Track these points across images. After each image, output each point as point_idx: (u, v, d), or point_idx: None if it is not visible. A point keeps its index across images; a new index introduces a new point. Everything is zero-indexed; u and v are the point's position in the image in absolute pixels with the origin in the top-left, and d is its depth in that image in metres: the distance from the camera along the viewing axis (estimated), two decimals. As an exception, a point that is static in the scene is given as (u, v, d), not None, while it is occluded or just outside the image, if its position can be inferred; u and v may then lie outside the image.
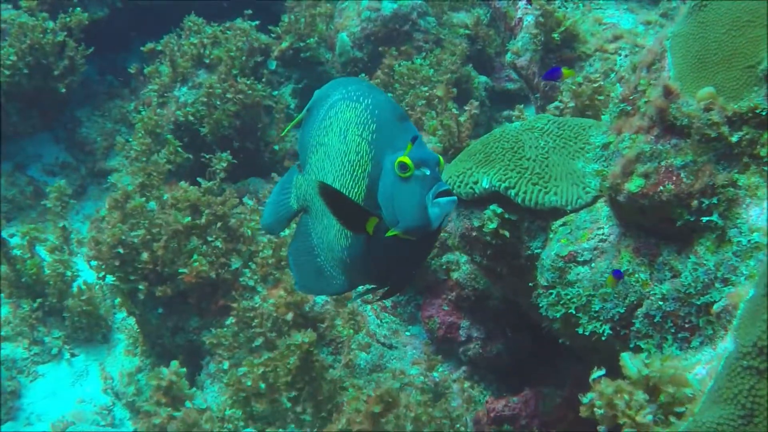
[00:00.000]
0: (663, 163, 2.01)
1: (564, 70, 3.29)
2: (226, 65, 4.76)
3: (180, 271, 3.60)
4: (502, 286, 2.83)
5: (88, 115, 5.93)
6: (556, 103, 3.24)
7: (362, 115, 2.09)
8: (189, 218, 3.62)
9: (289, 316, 3.30)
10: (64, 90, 5.38)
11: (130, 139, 5.00)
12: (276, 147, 4.96)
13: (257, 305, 3.56)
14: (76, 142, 5.81)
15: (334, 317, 3.65)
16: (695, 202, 1.97)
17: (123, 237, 3.60)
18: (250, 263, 3.79)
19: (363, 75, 5.19)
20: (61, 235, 4.49)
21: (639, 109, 2.12)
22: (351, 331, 3.73)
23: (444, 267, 3.68)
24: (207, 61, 4.92)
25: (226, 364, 3.47)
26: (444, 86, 4.27)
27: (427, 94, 4.66)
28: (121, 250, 3.59)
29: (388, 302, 3.97)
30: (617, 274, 2.14)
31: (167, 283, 3.68)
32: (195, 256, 3.59)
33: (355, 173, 2.08)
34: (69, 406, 4.11)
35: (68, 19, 5.37)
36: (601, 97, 3.04)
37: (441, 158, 2.01)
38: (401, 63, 5.03)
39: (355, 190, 2.07)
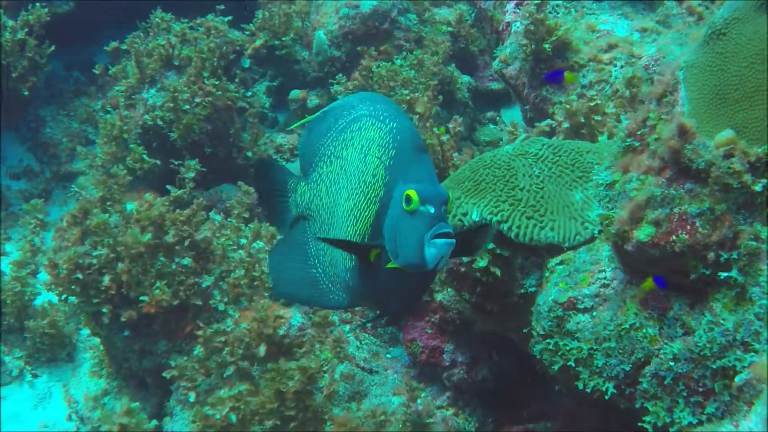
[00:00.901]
0: (676, 210, 1.81)
1: (567, 75, 3.08)
2: (196, 67, 4.50)
3: (141, 299, 3.36)
4: (492, 323, 2.63)
5: (53, 115, 5.63)
6: (549, 121, 3.03)
7: (385, 138, 2.05)
8: (149, 235, 3.36)
9: (262, 349, 3.07)
10: (27, 93, 5.10)
11: (96, 142, 4.75)
12: (249, 153, 4.72)
13: (229, 329, 3.35)
14: (40, 143, 5.51)
15: (313, 343, 3.44)
16: (712, 255, 1.77)
17: (81, 261, 3.34)
18: (221, 283, 3.57)
19: (340, 75, 4.96)
20: (29, 250, 4.23)
21: (648, 146, 1.91)
22: (331, 356, 3.54)
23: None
24: (177, 62, 4.65)
25: (192, 396, 3.25)
26: (424, 101, 4.03)
27: (408, 98, 4.44)
28: (80, 276, 3.34)
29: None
30: (660, 283, 1.89)
31: (133, 306, 3.44)
32: (157, 284, 3.34)
33: (368, 196, 2.04)
34: (31, 430, 3.88)
35: (30, 17, 5.07)
36: (598, 117, 2.83)
37: (451, 196, 1.92)
38: (380, 64, 4.79)
39: (366, 213, 2.03)
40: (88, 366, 4.10)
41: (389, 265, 1.92)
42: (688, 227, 1.79)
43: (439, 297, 3.44)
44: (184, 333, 3.45)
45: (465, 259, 2.44)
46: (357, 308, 3.61)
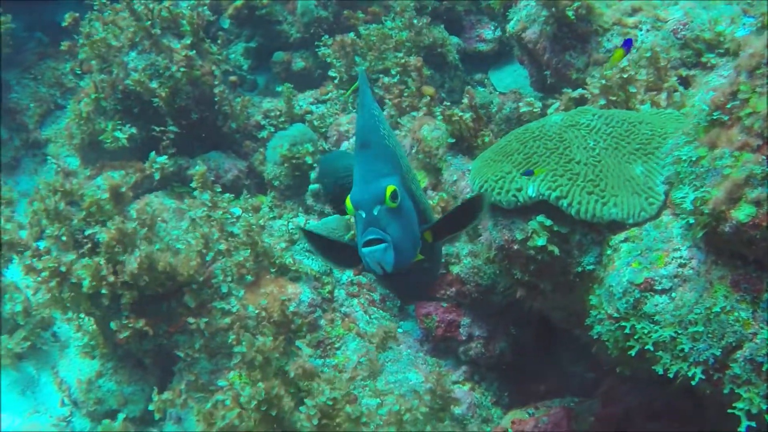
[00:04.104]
0: (779, 189, 1.71)
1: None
2: (139, 33, 4.25)
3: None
4: (541, 303, 2.52)
5: (18, 78, 5.30)
6: (581, 91, 2.90)
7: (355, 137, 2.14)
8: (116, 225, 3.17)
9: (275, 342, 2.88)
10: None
11: (67, 112, 4.49)
12: (233, 125, 4.49)
13: (234, 309, 3.22)
14: (6, 109, 5.19)
15: (318, 319, 3.35)
16: (819, 236, 1.69)
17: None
18: (224, 259, 3.40)
19: (326, 37, 4.77)
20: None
21: (741, 120, 1.81)
22: (342, 331, 3.43)
23: (443, 260, 3.36)
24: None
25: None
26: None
27: (403, 61, 4.28)
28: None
29: (376, 295, 3.64)
30: None
31: (133, 286, 3.23)
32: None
33: None
34: (21, 417, 3.66)
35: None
36: (633, 89, 2.71)
37: (389, 189, 1.84)
38: (369, 27, 4.61)
39: None
40: (76, 346, 3.88)
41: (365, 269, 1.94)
42: (793, 207, 1.70)
43: (455, 270, 3.34)
44: (179, 325, 3.27)
45: (519, 236, 2.31)
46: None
